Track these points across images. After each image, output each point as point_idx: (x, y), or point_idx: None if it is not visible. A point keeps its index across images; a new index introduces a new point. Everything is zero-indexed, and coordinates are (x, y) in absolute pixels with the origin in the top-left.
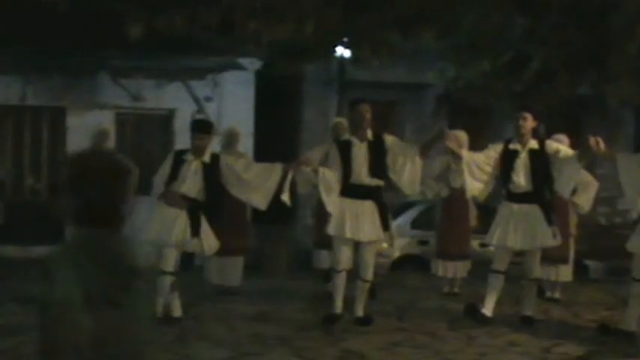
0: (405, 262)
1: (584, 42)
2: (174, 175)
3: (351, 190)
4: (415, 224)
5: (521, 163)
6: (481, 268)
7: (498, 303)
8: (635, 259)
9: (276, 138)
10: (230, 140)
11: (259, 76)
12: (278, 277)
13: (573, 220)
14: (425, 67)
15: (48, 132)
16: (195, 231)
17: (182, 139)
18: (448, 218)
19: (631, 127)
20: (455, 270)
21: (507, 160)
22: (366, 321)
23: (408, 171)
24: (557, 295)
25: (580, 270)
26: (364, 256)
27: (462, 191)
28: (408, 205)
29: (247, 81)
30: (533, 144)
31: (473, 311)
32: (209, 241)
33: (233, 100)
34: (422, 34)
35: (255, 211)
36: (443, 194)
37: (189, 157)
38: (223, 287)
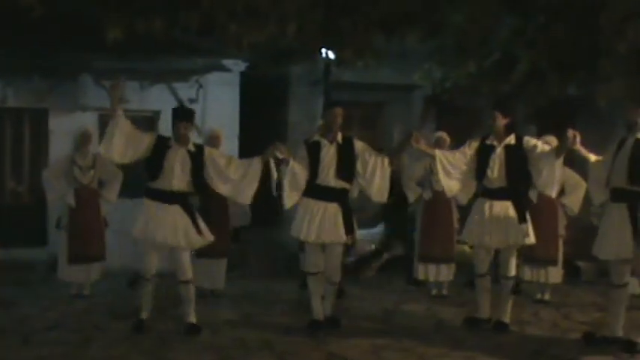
0: (392, 264)
1: (572, 42)
2: (158, 163)
3: (316, 191)
4: None
5: (497, 158)
6: (469, 269)
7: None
8: (610, 265)
9: (262, 140)
10: (212, 142)
11: (244, 77)
12: (263, 281)
13: (562, 222)
14: (412, 68)
15: (29, 134)
16: (197, 228)
17: None
18: (430, 221)
19: (622, 129)
20: (438, 273)
21: (483, 155)
22: (335, 321)
23: (378, 179)
24: (546, 296)
25: (571, 271)
26: (330, 259)
27: (444, 194)
28: None
29: (232, 82)
30: (510, 140)
31: (473, 323)
32: (205, 231)
33: (218, 101)
34: (407, 35)
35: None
36: (426, 197)
37: (173, 144)
38: (207, 290)
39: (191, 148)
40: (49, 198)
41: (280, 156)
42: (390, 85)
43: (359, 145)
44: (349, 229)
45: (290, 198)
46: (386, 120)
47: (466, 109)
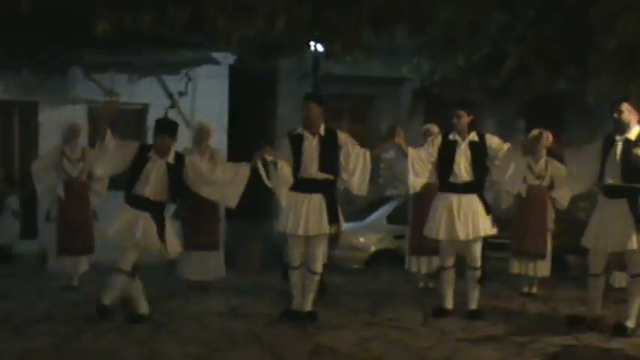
0: (380, 256)
1: (561, 38)
2: (136, 173)
3: (300, 183)
4: (391, 219)
5: (462, 153)
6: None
7: None
8: (590, 255)
9: (251, 133)
10: (201, 136)
11: (233, 70)
12: (251, 273)
13: (551, 216)
14: (401, 62)
15: (19, 127)
16: (160, 233)
17: None
18: (421, 213)
19: (611, 124)
20: (429, 265)
21: (447, 151)
22: (313, 317)
23: (359, 172)
24: (534, 290)
25: (560, 265)
26: (313, 250)
27: (435, 186)
28: (383, 200)
29: (221, 75)
30: (473, 136)
31: (441, 313)
32: (172, 243)
33: (207, 94)
34: (396, 30)
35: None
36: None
37: (152, 155)
38: (196, 283)
39: (170, 160)
40: (39, 190)
41: (269, 158)
42: (379, 79)
43: (342, 136)
44: (333, 219)
45: (284, 197)
46: (375, 113)
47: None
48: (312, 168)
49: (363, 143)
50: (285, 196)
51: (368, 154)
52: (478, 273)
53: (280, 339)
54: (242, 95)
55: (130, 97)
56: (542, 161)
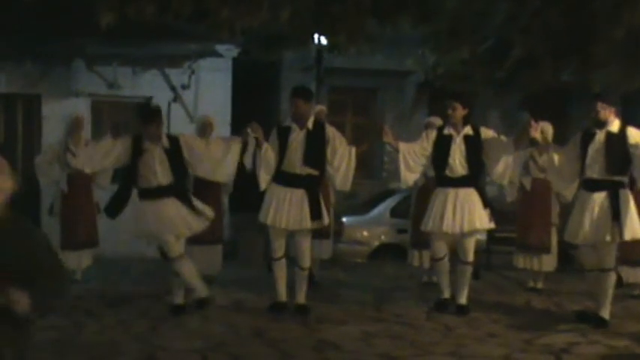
0: (383, 250)
1: (567, 28)
2: (137, 167)
3: (283, 177)
4: (394, 213)
5: (457, 147)
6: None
7: (478, 293)
8: (580, 250)
9: None
10: (204, 130)
11: (237, 63)
12: (254, 267)
13: (556, 210)
14: (405, 54)
15: (23, 120)
16: (195, 211)
17: None
18: (423, 207)
19: (591, 125)
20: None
21: (442, 145)
22: (306, 309)
23: (344, 168)
24: (539, 285)
25: (565, 260)
26: (298, 245)
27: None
28: (387, 194)
29: (224, 68)
30: (468, 130)
31: (442, 305)
32: (205, 209)
33: (210, 87)
34: (399, 21)
35: (232, 201)
36: (419, 183)
37: (147, 145)
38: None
39: (165, 144)
40: (42, 184)
41: (252, 135)
42: (383, 71)
43: (330, 131)
44: (316, 215)
45: (264, 180)
46: (379, 106)
47: (460, 96)
48: (296, 161)
49: (366, 136)
50: (265, 179)
51: (354, 150)
52: (470, 268)
53: (284, 334)
54: (245, 88)
55: (133, 91)
56: (547, 154)
